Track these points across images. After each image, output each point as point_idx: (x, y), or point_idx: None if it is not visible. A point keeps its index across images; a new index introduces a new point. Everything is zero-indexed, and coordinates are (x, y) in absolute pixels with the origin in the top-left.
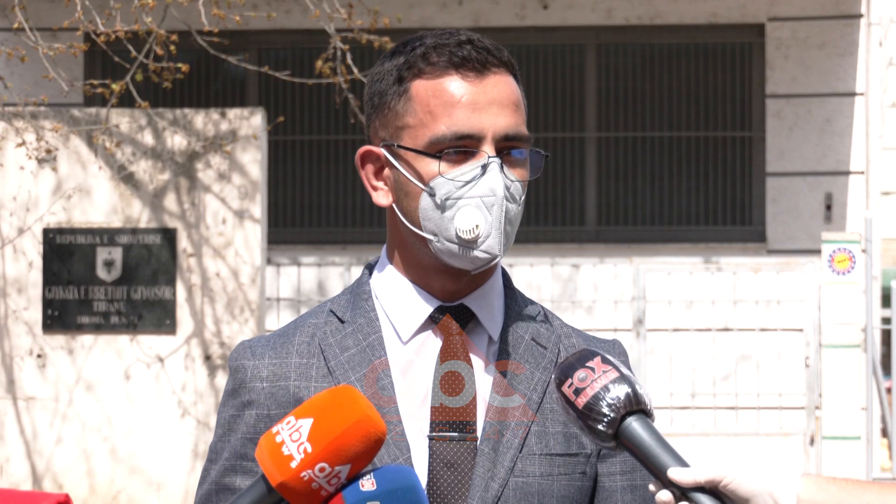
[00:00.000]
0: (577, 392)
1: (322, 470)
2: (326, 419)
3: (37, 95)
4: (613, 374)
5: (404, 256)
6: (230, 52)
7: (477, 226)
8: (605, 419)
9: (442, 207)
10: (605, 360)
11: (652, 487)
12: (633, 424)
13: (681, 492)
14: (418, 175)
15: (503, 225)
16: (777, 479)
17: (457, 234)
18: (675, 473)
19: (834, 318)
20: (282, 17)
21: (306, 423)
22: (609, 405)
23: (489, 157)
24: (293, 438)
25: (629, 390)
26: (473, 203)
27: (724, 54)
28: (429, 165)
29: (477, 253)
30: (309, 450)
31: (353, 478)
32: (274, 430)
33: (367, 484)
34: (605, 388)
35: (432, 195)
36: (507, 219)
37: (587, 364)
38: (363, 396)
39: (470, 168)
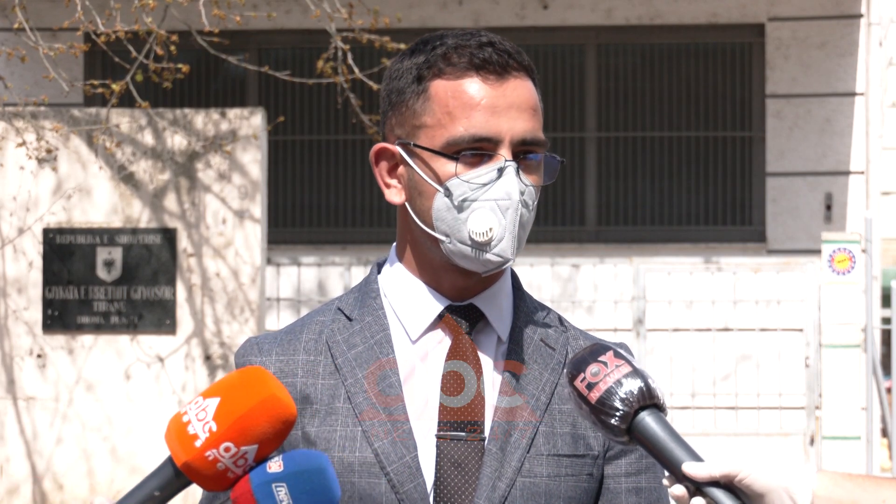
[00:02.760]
0: (590, 387)
1: (227, 450)
2: (233, 398)
3: (37, 95)
4: (626, 369)
5: (414, 255)
6: (230, 52)
7: (490, 228)
8: (618, 413)
9: (456, 209)
10: (617, 355)
11: (666, 482)
12: (647, 419)
13: (695, 486)
14: (434, 175)
15: (516, 229)
16: (793, 475)
17: (470, 236)
18: (689, 468)
19: (834, 318)
20: (282, 17)
21: (213, 402)
22: (622, 399)
23: (506, 160)
24: (199, 417)
25: (642, 384)
26: (488, 206)
27: (724, 54)
28: (445, 166)
29: (489, 256)
30: (214, 429)
31: (262, 460)
32: (182, 409)
33: (275, 466)
34: (618, 383)
35: (447, 196)
36: (520, 223)
37: (600, 358)
38: (273, 377)
39: (486, 171)
